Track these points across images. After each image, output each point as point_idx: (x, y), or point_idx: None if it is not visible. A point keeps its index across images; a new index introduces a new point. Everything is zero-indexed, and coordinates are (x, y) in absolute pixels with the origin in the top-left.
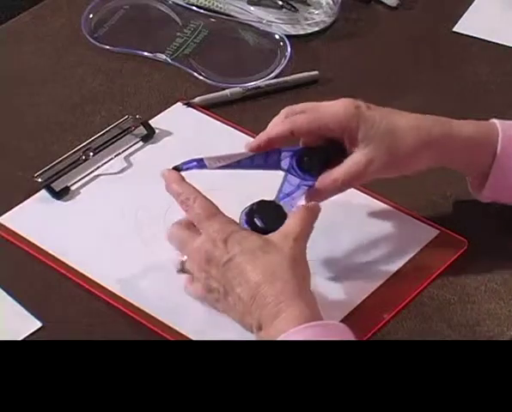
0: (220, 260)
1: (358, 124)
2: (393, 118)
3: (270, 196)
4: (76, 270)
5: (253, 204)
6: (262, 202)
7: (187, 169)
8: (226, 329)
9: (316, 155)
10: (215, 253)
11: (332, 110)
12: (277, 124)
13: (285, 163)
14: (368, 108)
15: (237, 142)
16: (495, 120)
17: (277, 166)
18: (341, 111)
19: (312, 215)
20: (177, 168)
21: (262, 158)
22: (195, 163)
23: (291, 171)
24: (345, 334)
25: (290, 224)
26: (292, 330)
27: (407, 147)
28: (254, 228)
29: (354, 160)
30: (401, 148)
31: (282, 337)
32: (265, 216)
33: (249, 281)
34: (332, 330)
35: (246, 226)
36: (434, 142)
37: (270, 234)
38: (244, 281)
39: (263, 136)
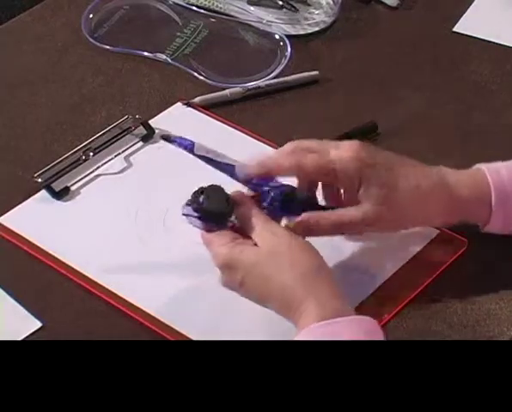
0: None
1: (360, 182)
2: (394, 179)
3: None
4: (76, 270)
5: (202, 187)
6: (211, 186)
7: (175, 143)
8: (226, 329)
9: (299, 198)
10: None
11: (341, 165)
12: (284, 164)
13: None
14: (369, 165)
15: (237, 142)
16: (482, 167)
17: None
18: (348, 167)
19: (254, 207)
20: (168, 138)
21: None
22: (188, 142)
23: (270, 206)
24: (361, 331)
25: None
26: (304, 330)
27: (404, 210)
28: (198, 208)
29: (348, 213)
30: (398, 212)
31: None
32: (210, 197)
33: (257, 301)
34: (348, 326)
35: (189, 208)
36: (431, 203)
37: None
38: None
39: (265, 168)
